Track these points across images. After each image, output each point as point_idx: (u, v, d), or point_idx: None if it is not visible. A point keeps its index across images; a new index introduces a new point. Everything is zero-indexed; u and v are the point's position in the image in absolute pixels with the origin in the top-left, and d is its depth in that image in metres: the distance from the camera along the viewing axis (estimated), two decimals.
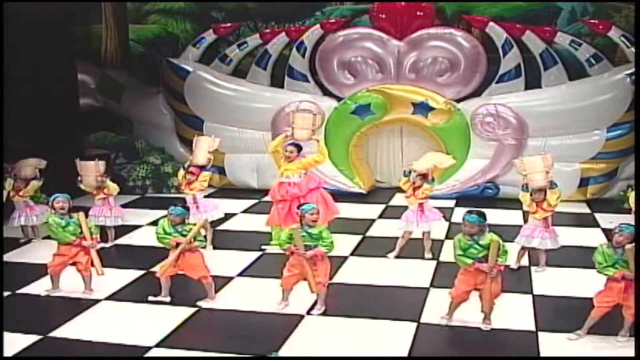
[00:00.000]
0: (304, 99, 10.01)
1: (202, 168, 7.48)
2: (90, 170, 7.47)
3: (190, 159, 7.61)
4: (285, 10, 10.80)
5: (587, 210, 9.14)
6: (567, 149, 9.25)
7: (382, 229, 8.19)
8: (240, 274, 6.57)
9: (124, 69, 11.58)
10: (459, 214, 8.51)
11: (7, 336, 4.93)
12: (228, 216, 8.51)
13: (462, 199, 9.54)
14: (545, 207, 6.41)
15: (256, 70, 10.56)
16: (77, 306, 5.67)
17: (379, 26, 9.98)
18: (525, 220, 7.35)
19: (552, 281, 6.27)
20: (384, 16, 9.92)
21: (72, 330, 5.22)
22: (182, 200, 6.55)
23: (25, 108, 8.81)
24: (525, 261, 6.67)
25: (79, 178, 7.51)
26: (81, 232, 5.84)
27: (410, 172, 6.97)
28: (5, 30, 7.87)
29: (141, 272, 6.55)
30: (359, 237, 7.81)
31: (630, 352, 4.67)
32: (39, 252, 6.94)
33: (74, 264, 5.89)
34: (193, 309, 5.56)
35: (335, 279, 6.24)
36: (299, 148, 7.24)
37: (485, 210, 5.23)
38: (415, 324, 5.25)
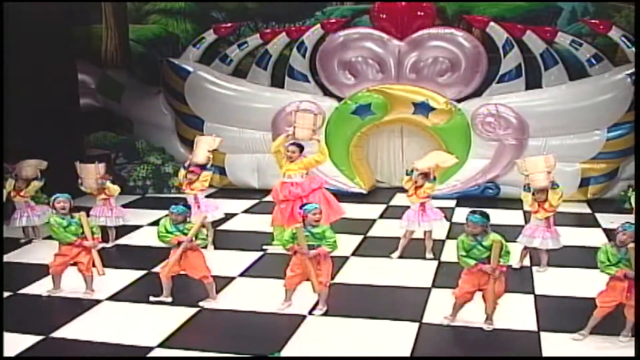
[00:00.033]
0: (305, 99, 10.01)
1: (202, 167, 7.47)
2: (91, 173, 7.48)
3: (190, 158, 7.62)
4: (285, 10, 10.80)
5: (588, 210, 9.14)
6: (568, 149, 9.26)
7: (383, 229, 8.18)
8: (242, 274, 6.57)
9: (124, 69, 11.58)
10: (459, 214, 8.58)
11: (9, 336, 4.93)
12: (229, 216, 8.51)
13: (462, 199, 9.55)
14: (547, 208, 6.42)
15: (256, 70, 10.56)
16: (78, 306, 5.67)
17: (379, 26, 9.98)
18: (526, 220, 7.35)
19: (553, 281, 6.27)
20: (384, 16, 9.93)
21: (73, 330, 5.21)
22: (183, 201, 6.53)
23: (25, 108, 8.81)
24: (526, 261, 6.67)
25: (80, 181, 7.52)
26: (82, 232, 5.83)
27: (412, 170, 6.96)
28: (5, 30, 7.86)
29: (142, 273, 6.54)
30: (360, 237, 7.80)
31: (633, 352, 4.66)
32: (40, 253, 6.93)
33: (75, 264, 5.88)
34: (195, 309, 5.56)
35: (337, 279, 6.24)
36: (301, 148, 7.25)
37: (486, 211, 5.23)
38: (417, 324, 5.25)
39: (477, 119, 9.54)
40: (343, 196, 8.98)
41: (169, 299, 5.72)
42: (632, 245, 4.74)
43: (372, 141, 10.54)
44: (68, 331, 5.19)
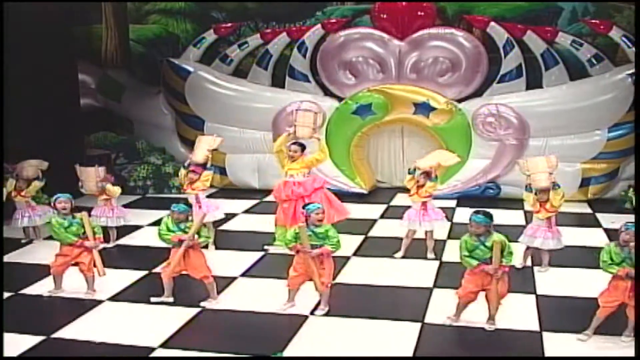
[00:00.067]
0: (305, 99, 10.00)
1: (203, 167, 7.47)
2: (91, 176, 7.49)
3: (190, 158, 7.61)
4: (285, 10, 10.79)
5: (589, 210, 9.14)
6: (569, 149, 9.26)
7: (384, 229, 8.18)
8: (243, 274, 6.56)
9: (125, 69, 11.57)
10: (460, 214, 8.58)
11: (11, 337, 4.92)
12: (229, 216, 8.49)
13: (463, 199, 9.54)
14: (548, 208, 6.42)
15: (257, 70, 10.55)
16: (80, 307, 5.66)
17: (380, 26, 9.98)
18: (527, 220, 7.35)
19: (555, 281, 6.26)
20: (385, 16, 9.92)
21: (75, 331, 5.20)
22: (184, 201, 6.53)
23: (26, 108, 8.80)
24: (528, 261, 6.67)
25: (80, 183, 7.51)
26: (84, 233, 5.82)
27: (415, 169, 6.96)
28: (5, 30, 7.85)
29: (144, 273, 6.53)
30: (361, 238, 7.80)
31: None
32: (41, 253, 6.92)
33: (76, 264, 5.87)
34: (196, 310, 5.55)
35: (339, 279, 6.23)
36: (302, 147, 7.25)
37: (489, 211, 5.22)
38: (419, 324, 5.24)
39: (478, 119, 9.54)
40: (344, 196, 8.95)
41: (171, 299, 5.71)
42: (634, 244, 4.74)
43: (373, 141, 10.54)
44: (69, 331, 5.18)
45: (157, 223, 6.23)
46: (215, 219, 7.54)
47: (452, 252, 6.70)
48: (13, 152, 7.78)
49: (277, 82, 10.48)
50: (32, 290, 6.08)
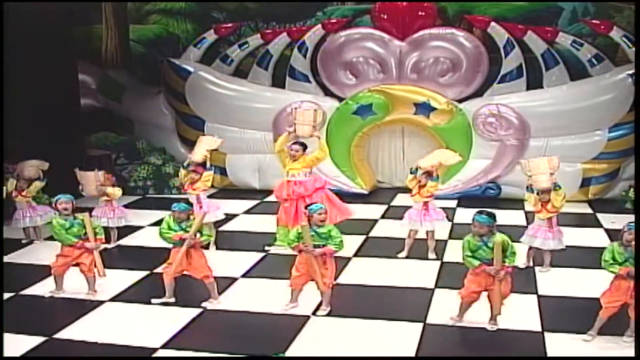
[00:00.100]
0: (306, 99, 9.99)
1: (203, 167, 7.46)
2: (90, 180, 7.48)
3: (189, 158, 7.60)
4: (286, 10, 10.79)
5: (589, 211, 9.14)
6: (569, 149, 9.25)
7: (385, 229, 8.18)
8: (244, 275, 6.55)
9: (125, 69, 11.56)
10: (460, 214, 8.58)
11: (12, 337, 4.92)
12: (230, 217, 8.49)
13: (464, 199, 9.54)
14: (550, 208, 6.42)
15: (257, 71, 10.54)
16: (81, 307, 5.65)
17: (380, 26, 9.98)
18: (528, 221, 7.35)
19: (556, 281, 6.26)
20: (385, 16, 9.92)
21: (76, 331, 5.20)
22: (185, 200, 6.52)
23: (26, 108, 8.79)
24: (530, 261, 6.67)
25: (80, 187, 7.51)
26: (85, 234, 5.82)
27: (417, 169, 6.96)
28: (5, 30, 7.85)
29: (145, 273, 6.53)
30: (362, 238, 7.79)
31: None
32: (42, 253, 6.91)
33: (77, 264, 5.87)
34: (198, 310, 5.54)
35: (340, 280, 6.22)
36: (304, 147, 7.25)
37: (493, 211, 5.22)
38: (421, 325, 5.24)
39: (479, 119, 9.54)
40: (344, 196, 8.95)
41: (172, 300, 5.70)
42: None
43: (373, 141, 10.54)
44: (71, 332, 5.18)
45: (157, 223, 6.23)
46: (216, 219, 7.54)
47: (453, 252, 6.71)
48: (13, 152, 7.77)
49: (278, 82, 10.47)
50: (33, 290, 6.07)
